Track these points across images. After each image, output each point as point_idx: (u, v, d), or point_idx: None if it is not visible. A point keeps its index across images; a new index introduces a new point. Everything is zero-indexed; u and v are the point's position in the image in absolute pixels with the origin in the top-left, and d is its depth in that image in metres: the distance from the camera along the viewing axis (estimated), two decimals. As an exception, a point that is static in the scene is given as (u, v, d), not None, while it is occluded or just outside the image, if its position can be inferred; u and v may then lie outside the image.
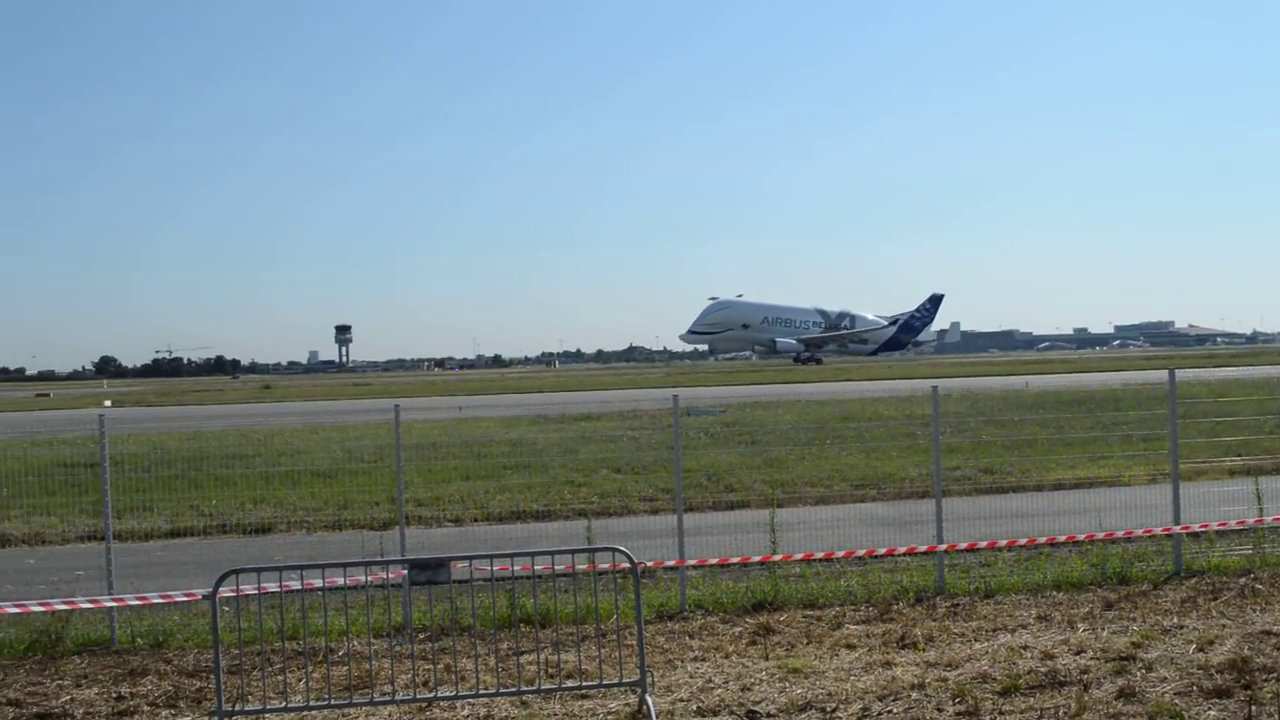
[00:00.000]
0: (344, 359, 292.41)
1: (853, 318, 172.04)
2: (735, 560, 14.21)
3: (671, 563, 14.11)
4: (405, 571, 10.76)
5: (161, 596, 12.39)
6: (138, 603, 12.45)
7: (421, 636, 12.80)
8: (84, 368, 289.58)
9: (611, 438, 32.76)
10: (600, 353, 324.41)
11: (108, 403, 79.59)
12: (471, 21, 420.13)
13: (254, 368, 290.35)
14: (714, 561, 14.08)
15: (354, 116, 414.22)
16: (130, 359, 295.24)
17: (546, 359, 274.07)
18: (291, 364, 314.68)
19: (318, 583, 11.83)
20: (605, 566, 13.16)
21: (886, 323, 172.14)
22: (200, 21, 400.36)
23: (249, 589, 11.50)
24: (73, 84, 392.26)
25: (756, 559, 14.20)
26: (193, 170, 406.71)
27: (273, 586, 11.62)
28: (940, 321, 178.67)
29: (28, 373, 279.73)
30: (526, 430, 36.54)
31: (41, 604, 12.37)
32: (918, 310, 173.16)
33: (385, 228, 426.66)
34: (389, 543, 16.47)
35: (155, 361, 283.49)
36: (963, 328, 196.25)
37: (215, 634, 10.01)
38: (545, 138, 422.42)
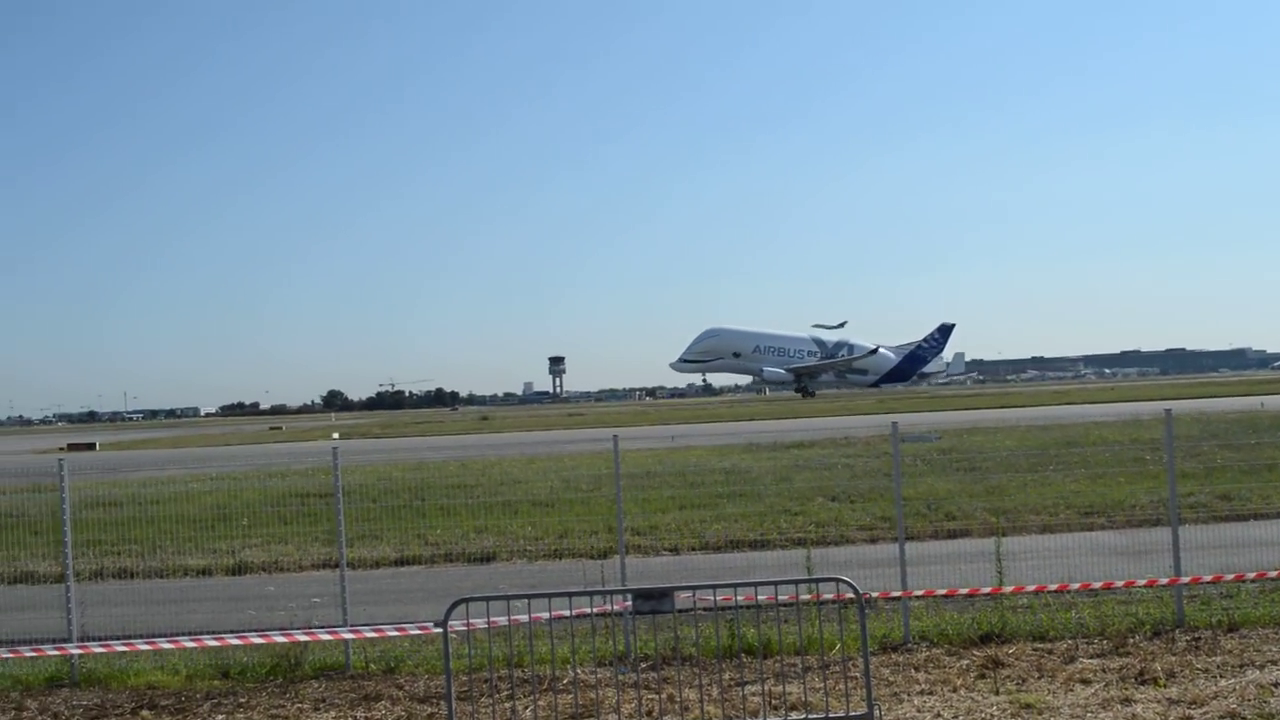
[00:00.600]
0: (558, 389, 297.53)
1: (851, 347, 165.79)
2: (964, 591, 13.85)
3: (897, 593, 13.84)
4: (629, 601, 10.82)
5: (397, 629, 12.81)
6: (374, 635, 12.88)
7: (643, 665, 12.86)
8: (313, 401, 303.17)
9: (826, 465, 32.44)
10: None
11: (336, 435, 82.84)
12: (660, 40, 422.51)
13: (472, 399, 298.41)
14: (942, 592, 13.75)
15: (545, 135, 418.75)
16: (355, 392, 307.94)
17: (757, 387, 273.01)
18: (508, 395, 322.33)
19: (542, 611, 12.00)
20: (828, 597, 12.99)
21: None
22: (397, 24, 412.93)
23: (479, 621, 11.74)
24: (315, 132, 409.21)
25: (986, 590, 13.81)
26: (420, 217, 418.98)
27: (500, 617, 11.85)
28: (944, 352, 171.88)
29: (261, 407, 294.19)
30: (739, 458, 36.47)
31: (284, 634, 12.95)
32: (926, 340, 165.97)
33: (590, 259, 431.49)
34: (609, 572, 16.62)
35: (379, 394, 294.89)
36: (1188, 347, 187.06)
37: (447, 662, 10.25)
38: (733, 164, 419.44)
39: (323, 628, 13.67)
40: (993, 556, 15.50)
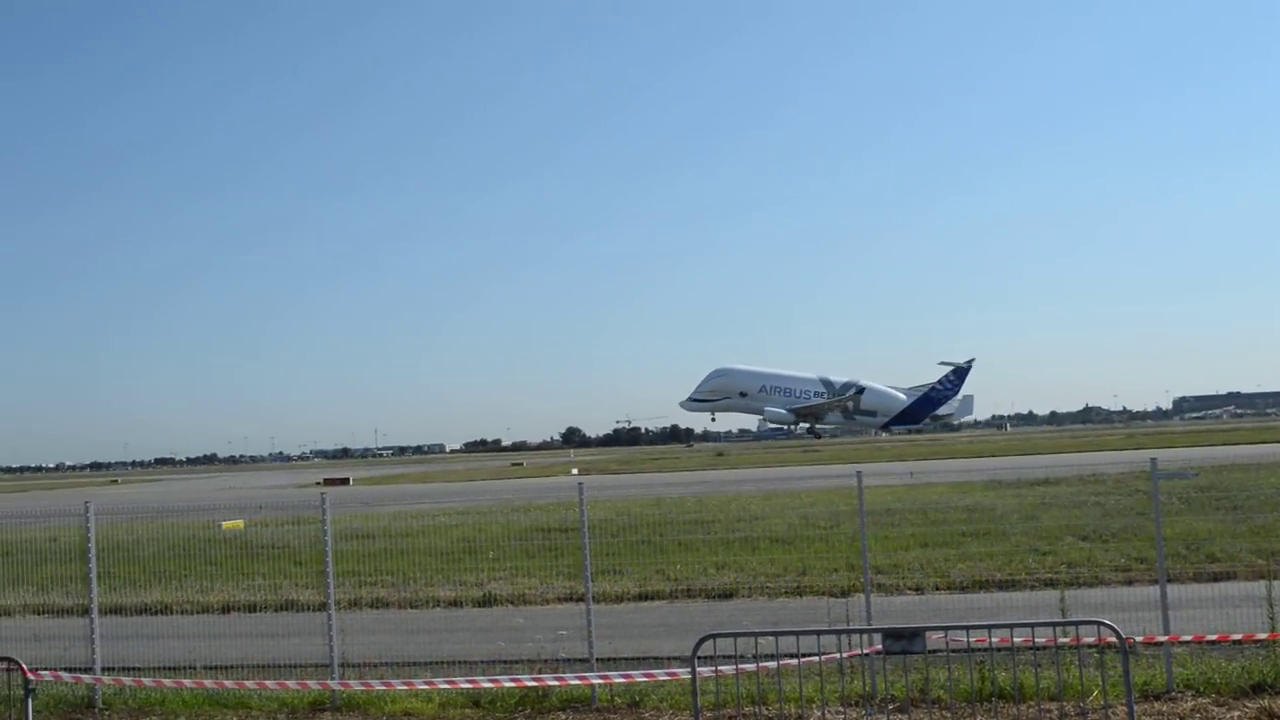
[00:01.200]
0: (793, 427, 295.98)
1: (860, 387, 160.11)
2: (1236, 637, 13.12)
3: (1161, 638, 13.20)
4: (877, 641, 10.64)
5: (644, 675, 13.04)
6: (622, 681, 13.06)
7: (891, 708, 12.60)
8: (552, 438, 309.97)
9: (1075, 503, 31.28)
10: (1054, 414, 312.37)
11: (574, 471, 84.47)
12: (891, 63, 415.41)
13: (706, 436, 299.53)
14: (1211, 638, 13.08)
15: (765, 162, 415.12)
16: (593, 429, 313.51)
17: (997, 421, 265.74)
18: (743, 431, 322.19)
19: (788, 648, 11.90)
20: (1087, 640, 12.49)
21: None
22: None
23: (726, 662, 11.73)
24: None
25: (1262, 635, 13.03)
26: (650, 251, 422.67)
27: (746, 656, 11.81)
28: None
29: (503, 443, 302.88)
30: (981, 495, 35.55)
31: (534, 679, 13.33)
32: (940, 382, 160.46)
33: (819, 290, 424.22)
34: (852, 610, 16.40)
35: (615, 431, 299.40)
36: None
37: (695, 697, 10.28)
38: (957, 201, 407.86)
39: (570, 665, 13.92)
40: (1261, 601, 14.61)
